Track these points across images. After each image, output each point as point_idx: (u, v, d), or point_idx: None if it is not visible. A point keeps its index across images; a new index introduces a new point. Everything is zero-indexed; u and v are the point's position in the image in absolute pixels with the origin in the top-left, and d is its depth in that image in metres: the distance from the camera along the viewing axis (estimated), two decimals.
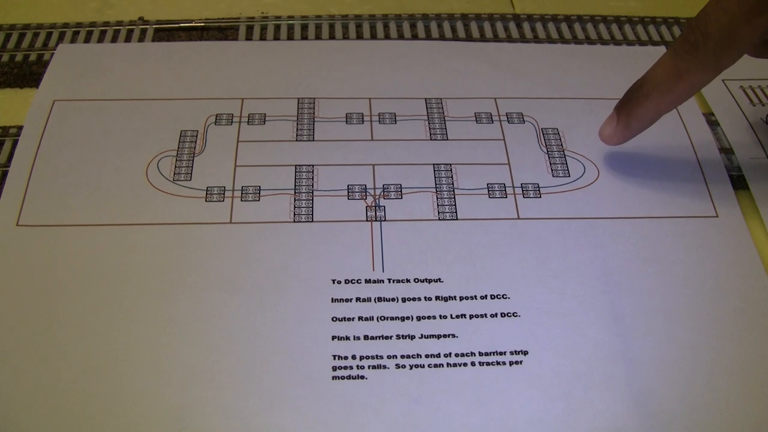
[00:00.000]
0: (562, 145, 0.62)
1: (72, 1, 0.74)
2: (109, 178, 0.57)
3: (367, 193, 0.57)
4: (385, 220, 0.56)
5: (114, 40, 0.70)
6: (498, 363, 0.49)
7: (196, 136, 0.60)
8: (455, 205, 0.57)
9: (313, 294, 0.52)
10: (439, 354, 0.49)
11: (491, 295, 0.52)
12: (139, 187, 0.57)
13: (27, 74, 0.66)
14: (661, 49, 0.71)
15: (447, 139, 0.61)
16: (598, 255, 0.55)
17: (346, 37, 0.71)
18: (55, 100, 0.63)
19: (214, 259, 0.53)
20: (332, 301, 0.51)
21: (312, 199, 0.57)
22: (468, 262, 0.54)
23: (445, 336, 0.50)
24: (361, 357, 0.49)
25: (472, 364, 0.49)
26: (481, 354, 0.50)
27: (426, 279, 0.53)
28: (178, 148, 0.60)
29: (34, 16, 0.72)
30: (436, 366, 0.49)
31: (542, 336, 0.51)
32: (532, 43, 0.72)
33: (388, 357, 0.49)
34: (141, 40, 0.70)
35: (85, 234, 0.54)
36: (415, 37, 0.72)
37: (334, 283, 0.52)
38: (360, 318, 0.51)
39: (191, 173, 0.58)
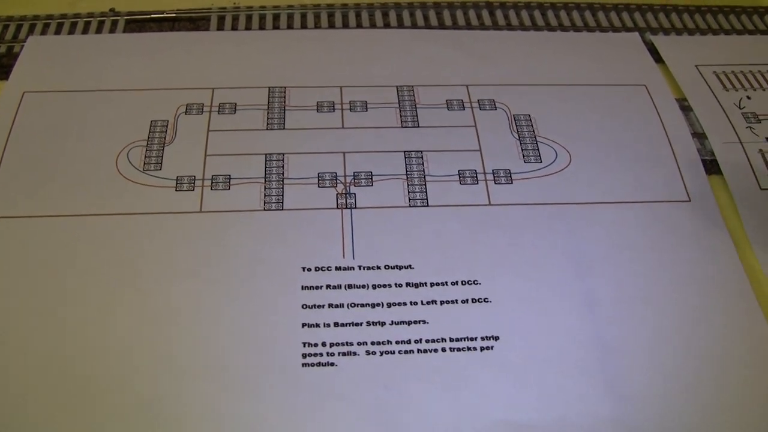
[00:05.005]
0: (534, 131, 0.61)
1: None
2: (79, 168, 0.57)
3: (338, 181, 0.57)
4: (355, 207, 0.55)
5: (85, 31, 0.69)
6: (469, 349, 0.49)
7: (167, 126, 0.60)
8: (426, 191, 0.57)
9: (284, 282, 0.51)
10: (410, 340, 0.49)
11: (462, 281, 0.52)
12: (110, 178, 0.56)
13: None
14: (635, 36, 0.71)
15: (418, 126, 0.61)
16: (570, 241, 0.55)
17: (317, 26, 0.71)
18: (25, 91, 0.62)
19: (184, 248, 0.53)
20: (302, 289, 0.51)
21: (282, 188, 0.56)
22: (439, 248, 0.54)
23: (415, 322, 0.50)
24: (331, 344, 0.49)
25: (443, 350, 0.49)
26: (451, 340, 0.49)
27: (397, 266, 0.53)
28: (149, 138, 0.59)
29: (4, 8, 0.71)
30: (406, 352, 0.49)
31: (514, 322, 0.50)
32: (504, 30, 0.71)
33: (359, 344, 0.49)
34: (112, 31, 0.69)
35: (55, 225, 0.54)
36: (387, 25, 0.71)
37: (304, 270, 0.52)
38: (330, 305, 0.51)
39: (161, 163, 0.58)
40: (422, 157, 0.59)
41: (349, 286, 0.52)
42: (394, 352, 0.49)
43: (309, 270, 0.52)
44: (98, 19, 0.70)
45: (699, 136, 0.63)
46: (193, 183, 0.56)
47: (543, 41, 0.70)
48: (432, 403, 0.47)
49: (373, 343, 0.49)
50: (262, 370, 0.47)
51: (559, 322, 0.51)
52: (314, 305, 0.51)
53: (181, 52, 0.66)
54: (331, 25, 0.71)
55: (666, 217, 0.56)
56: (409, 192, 0.57)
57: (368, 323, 0.50)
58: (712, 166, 0.61)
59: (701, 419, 0.47)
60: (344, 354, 0.49)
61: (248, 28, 0.70)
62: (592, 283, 0.53)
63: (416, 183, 0.57)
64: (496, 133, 0.61)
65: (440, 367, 0.48)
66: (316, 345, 0.49)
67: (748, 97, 0.66)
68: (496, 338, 0.50)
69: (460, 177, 0.58)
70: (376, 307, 0.51)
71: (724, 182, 0.60)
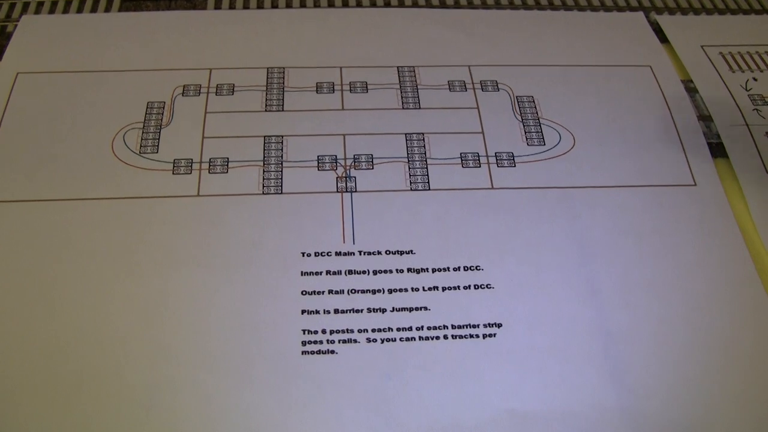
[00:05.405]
0: (537, 113, 0.60)
1: None
2: (74, 151, 0.56)
3: (338, 164, 0.56)
4: (355, 191, 0.55)
5: (80, 10, 0.68)
6: (471, 336, 0.48)
7: (163, 108, 0.59)
8: (428, 175, 0.56)
9: (283, 267, 0.51)
10: (411, 327, 0.49)
11: (464, 267, 0.51)
12: (105, 161, 0.56)
13: None
14: (640, 16, 0.70)
15: (419, 108, 0.60)
16: (574, 225, 0.54)
17: (317, 5, 0.70)
18: (19, 72, 0.61)
19: (181, 232, 0.52)
20: (302, 275, 0.50)
21: (281, 171, 0.55)
22: (441, 233, 0.53)
23: (417, 309, 0.49)
24: (331, 331, 0.48)
25: (445, 337, 0.48)
26: (454, 327, 0.49)
27: (398, 251, 0.52)
28: (145, 120, 0.58)
29: None
30: (408, 340, 0.48)
31: (517, 308, 0.50)
32: (507, 9, 0.70)
33: (359, 331, 0.48)
34: (107, 10, 0.68)
35: (49, 209, 0.53)
36: (387, 4, 0.70)
37: (303, 256, 0.51)
38: (330, 291, 0.50)
39: (158, 145, 0.57)
40: (423, 140, 0.58)
41: (350, 272, 0.51)
42: (395, 340, 0.48)
43: (308, 255, 0.51)
44: None
45: (705, 118, 0.62)
46: (191, 166, 0.55)
47: (546, 21, 0.69)
48: (433, 391, 0.46)
49: (373, 331, 0.48)
50: (261, 358, 0.47)
51: (562, 309, 0.50)
52: (314, 291, 0.50)
53: (177, 31, 0.65)
54: (331, 4, 0.70)
55: (671, 202, 0.56)
56: (410, 175, 0.56)
57: (369, 310, 0.49)
58: (718, 149, 0.60)
59: (706, 407, 0.47)
60: (344, 341, 0.48)
61: (246, 6, 0.69)
62: (596, 269, 0.52)
63: (417, 166, 0.56)
64: (499, 115, 0.60)
65: (442, 355, 0.48)
66: (315, 332, 0.48)
67: (755, 79, 0.65)
68: (499, 325, 0.49)
69: (462, 160, 0.57)
70: (376, 293, 0.50)
71: (730, 166, 0.59)
